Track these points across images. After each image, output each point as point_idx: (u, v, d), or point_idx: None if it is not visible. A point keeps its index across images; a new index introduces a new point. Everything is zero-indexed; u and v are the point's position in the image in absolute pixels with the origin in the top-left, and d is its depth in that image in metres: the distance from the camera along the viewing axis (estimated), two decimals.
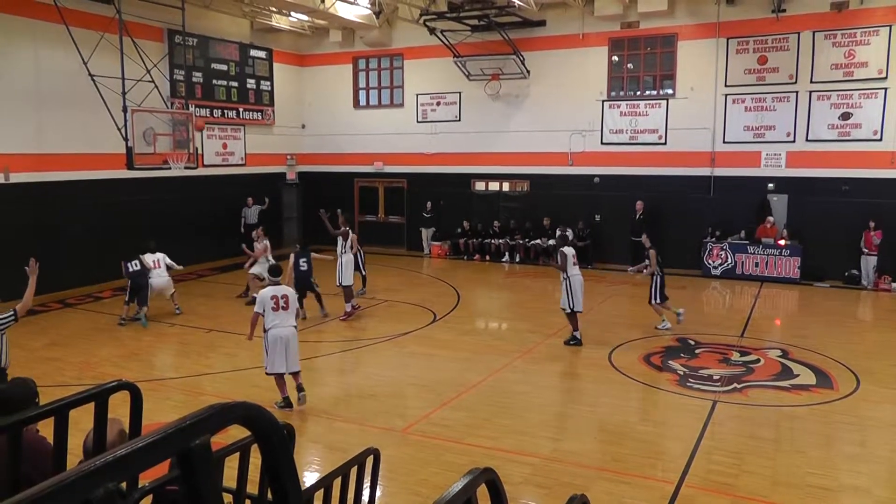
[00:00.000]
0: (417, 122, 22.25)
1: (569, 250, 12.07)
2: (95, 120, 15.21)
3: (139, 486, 2.76)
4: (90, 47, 14.92)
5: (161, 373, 10.62)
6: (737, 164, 18.40)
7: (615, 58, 19.63)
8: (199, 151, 18.32)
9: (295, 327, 9.03)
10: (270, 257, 15.00)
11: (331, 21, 20.66)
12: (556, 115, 20.15)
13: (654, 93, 19.51)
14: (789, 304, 16.39)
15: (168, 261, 14.34)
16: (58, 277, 15.88)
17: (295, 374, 9.04)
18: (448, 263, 21.08)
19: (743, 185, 18.36)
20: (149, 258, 14.04)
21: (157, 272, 13.99)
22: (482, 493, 1.87)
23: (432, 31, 19.48)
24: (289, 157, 23.52)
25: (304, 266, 13.58)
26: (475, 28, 19.73)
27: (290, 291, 9.17)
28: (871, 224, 16.70)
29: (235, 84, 20.86)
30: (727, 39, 18.24)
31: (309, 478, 6.69)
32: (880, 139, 16.98)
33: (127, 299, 13.63)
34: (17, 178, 15.18)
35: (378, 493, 5.82)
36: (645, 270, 13.31)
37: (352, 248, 14.27)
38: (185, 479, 1.15)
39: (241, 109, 21.16)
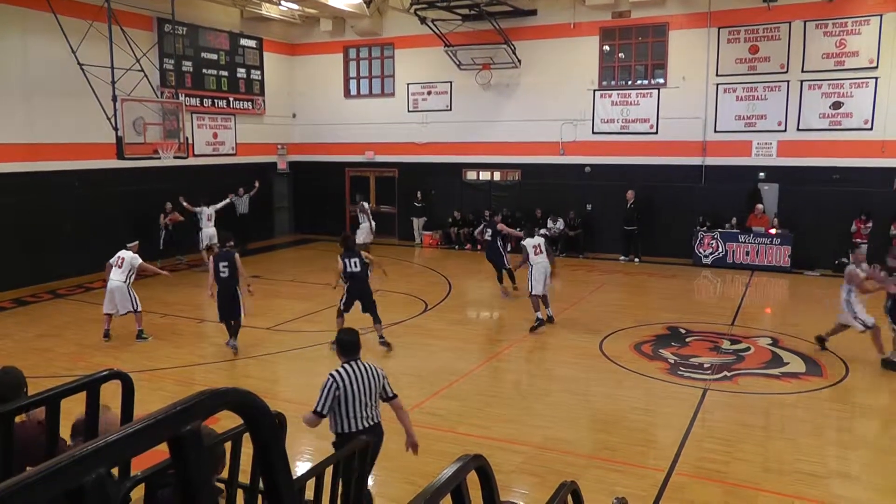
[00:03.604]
0: (408, 111, 22.19)
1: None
2: (85, 109, 15.11)
3: (131, 475, 2.76)
4: (79, 36, 14.80)
5: (153, 363, 10.59)
6: (728, 153, 18.43)
7: (606, 47, 19.60)
8: (190, 141, 18.26)
9: (123, 282, 11.51)
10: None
11: (321, 10, 20.57)
12: (548, 105, 20.13)
13: (646, 82, 19.51)
14: (779, 292, 16.47)
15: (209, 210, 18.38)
16: (48, 268, 15.84)
17: (136, 316, 11.71)
18: (439, 253, 21.09)
19: (734, 174, 18.40)
20: (204, 211, 18.26)
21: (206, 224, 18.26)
22: (473, 481, 1.87)
23: (423, 20, 19.41)
24: (279, 146, 23.44)
25: (224, 272, 10.71)
26: (466, 17, 19.68)
27: (127, 255, 11.70)
28: (863, 216, 16.77)
29: (225, 73, 20.75)
30: (718, 29, 18.24)
31: (301, 467, 6.69)
32: (871, 128, 17.04)
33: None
34: (5, 167, 15.07)
35: (371, 481, 5.84)
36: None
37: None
38: (176, 464, 1.15)
39: (231, 99, 21.06)
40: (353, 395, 5.55)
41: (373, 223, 19.02)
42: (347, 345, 5.81)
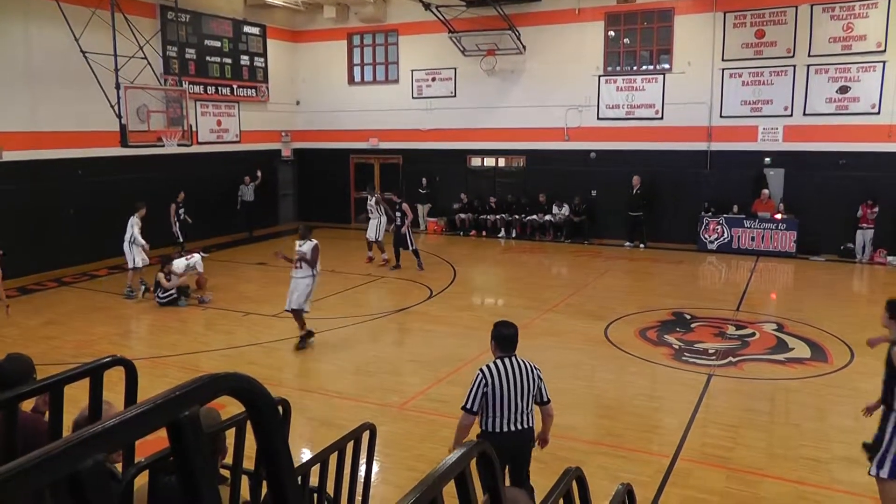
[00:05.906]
0: (413, 98, 22.13)
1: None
2: (88, 97, 15.10)
3: (135, 461, 2.77)
4: (82, 24, 14.76)
5: (158, 350, 10.63)
6: (734, 138, 18.35)
7: (611, 33, 19.50)
8: (194, 129, 18.24)
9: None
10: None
11: None
12: (552, 91, 20.04)
13: (651, 68, 19.40)
14: (785, 277, 16.43)
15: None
16: (53, 256, 15.87)
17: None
18: (444, 239, 21.06)
19: (740, 159, 18.32)
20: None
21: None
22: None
23: (427, 6, 19.30)
24: (283, 133, 23.40)
25: None
26: (470, 3, 19.55)
27: (195, 255, 13.80)
28: (869, 201, 16.68)
29: (229, 61, 20.70)
30: (724, 13, 18.11)
31: (305, 453, 6.72)
32: (878, 113, 16.93)
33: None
34: (10, 156, 15.08)
35: (374, 467, 5.86)
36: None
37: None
38: (175, 450, 1.14)
39: (234, 86, 21.02)
40: (503, 393, 5.14)
41: (383, 217, 16.86)
42: (505, 339, 5.41)
